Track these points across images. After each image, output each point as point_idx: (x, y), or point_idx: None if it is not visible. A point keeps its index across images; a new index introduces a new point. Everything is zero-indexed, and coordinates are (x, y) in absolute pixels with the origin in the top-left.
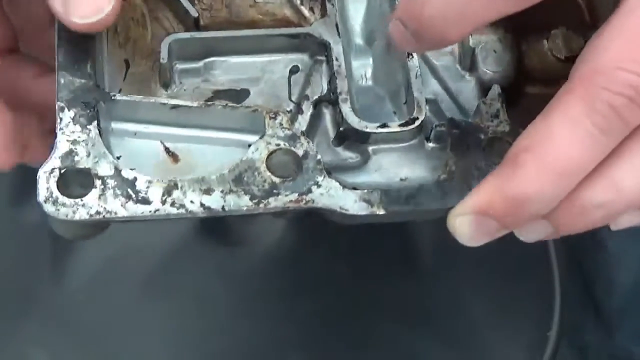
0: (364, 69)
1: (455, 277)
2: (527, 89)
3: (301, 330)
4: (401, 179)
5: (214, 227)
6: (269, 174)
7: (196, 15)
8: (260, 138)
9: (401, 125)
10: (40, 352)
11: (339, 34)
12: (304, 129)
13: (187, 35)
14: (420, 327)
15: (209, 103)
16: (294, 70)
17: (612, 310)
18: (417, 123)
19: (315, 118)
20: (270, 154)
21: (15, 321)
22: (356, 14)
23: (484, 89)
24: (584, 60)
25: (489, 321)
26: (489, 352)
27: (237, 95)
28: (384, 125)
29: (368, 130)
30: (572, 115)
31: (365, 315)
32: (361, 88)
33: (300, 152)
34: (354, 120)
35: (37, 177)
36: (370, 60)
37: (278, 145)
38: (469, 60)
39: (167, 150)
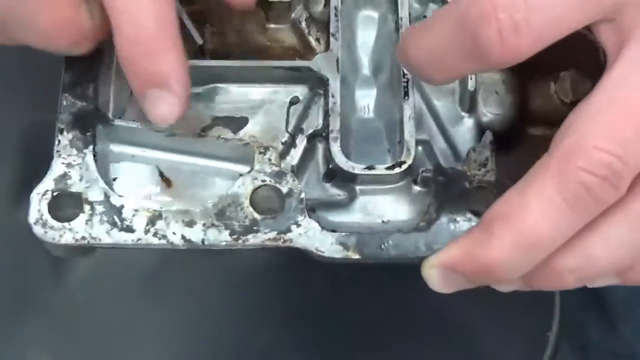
0: (367, 100)
1: None
2: (530, 130)
3: (300, 332)
4: (383, 221)
5: None
6: (251, 209)
7: (201, 42)
8: (248, 173)
9: (388, 168)
10: (39, 353)
11: (338, 70)
12: (295, 162)
13: (190, 62)
14: (419, 327)
15: (202, 134)
16: (294, 101)
17: (616, 301)
18: (403, 167)
19: (308, 152)
20: (256, 189)
21: (15, 322)
22: (365, 44)
23: (481, 131)
24: (565, 132)
25: (488, 321)
26: (489, 352)
27: (236, 123)
28: (370, 167)
29: (355, 171)
30: (545, 191)
31: (365, 315)
32: (362, 120)
33: (284, 190)
34: (341, 160)
35: (30, 198)
36: (375, 91)
37: (264, 181)
38: (468, 102)
39: (161, 175)
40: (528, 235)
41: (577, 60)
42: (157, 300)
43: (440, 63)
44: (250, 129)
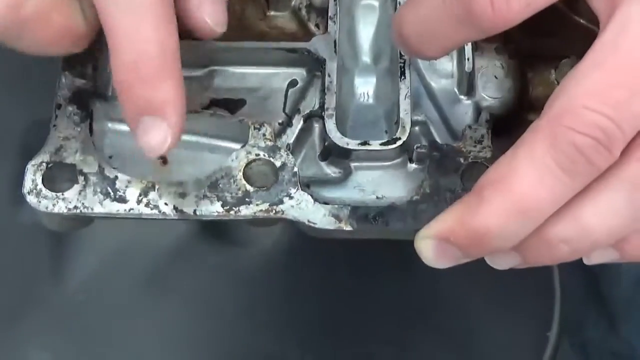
0: (367, 87)
1: (455, 277)
2: (529, 117)
3: (301, 330)
4: (377, 197)
5: (215, 228)
6: (244, 182)
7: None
8: (242, 147)
9: (382, 144)
10: (40, 353)
11: (335, 51)
12: (290, 141)
13: (189, 43)
14: (420, 326)
15: (198, 111)
16: (292, 83)
17: (618, 300)
18: (397, 143)
19: (304, 132)
20: (249, 163)
21: (15, 321)
22: (366, 33)
23: (479, 114)
24: (556, 96)
25: (489, 321)
26: (489, 352)
27: (234, 105)
28: (364, 143)
29: (349, 146)
30: (536, 154)
31: (365, 315)
32: (361, 106)
33: (278, 163)
34: (336, 136)
35: (25, 169)
36: (374, 79)
37: (258, 155)
38: (466, 84)
39: None
40: (520, 200)
41: (577, 48)
42: (158, 300)
43: (434, 34)
44: (247, 111)
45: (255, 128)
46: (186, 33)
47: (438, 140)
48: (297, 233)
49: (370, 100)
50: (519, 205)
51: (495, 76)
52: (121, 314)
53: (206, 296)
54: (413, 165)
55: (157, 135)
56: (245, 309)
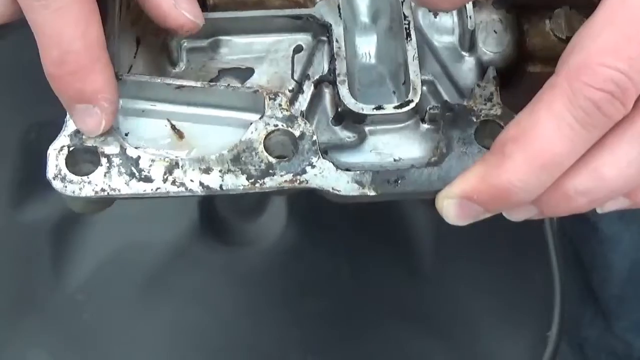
0: (368, 47)
1: (455, 277)
2: (529, 68)
3: (302, 330)
4: (395, 160)
5: (215, 227)
6: (266, 154)
7: None
8: (260, 119)
9: (396, 107)
10: (40, 353)
11: (340, 15)
12: (304, 108)
13: None
14: (420, 326)
15: (211, 83)
16: (297, 49)
17: (611, 299)
18: (411, 105)
19: (316, 97)
20: (269, 134)
21: (15, 321)
22: None
23: (483, 69)
24: (570, 52)
25: (489, 321)
26: (489, 352)
27: (242, 74)
28: (379, 107)
29: (364, 111)
30: (555, 110)
31: (366, 315)
32: (364, 66)
33: (297, 133)
34: (350, 102)
35: (47, 154)
36: (375, 38)
37: (276, 126)
38: (468, 41)
39: (173, 127)
40: (541, 152)
41: None
42: (157, 300)
43: None
44: (257, 79)
45: (270, 98)
46: (165, 32)
47: (446, 98)
48: (297, 233)
49: (373, 60)
50: (541, 159)
51: (494, 30)
52: (121, 314)
53: (206, 296)
54: (426, 126)
55: (92, 121)
56: (245, 309)
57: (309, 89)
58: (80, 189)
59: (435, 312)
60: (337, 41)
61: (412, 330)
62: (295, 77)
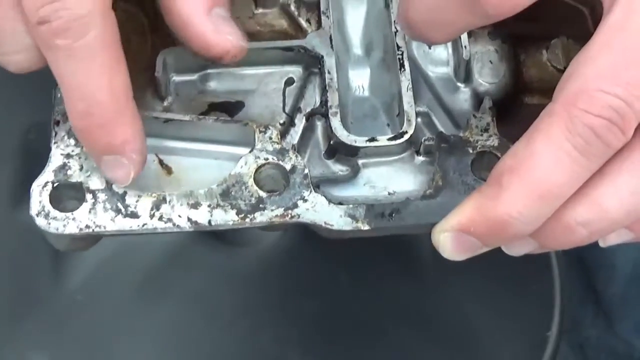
0: (361, 79)
1: (455, 277)
2: (526, 99)
3: (301, 332)
4: (389, 193)
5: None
6: (256, 188)
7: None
8: (250, 152)
9: (390, 139)
10: (40, 353)
11: (332, 46)
12: (295, 141)
13: (182, 48)
14: (420, 327)
15: (200, 117)
16: (289, 82)
17: (613, 298)
18: (405, 137)
19: (308, 130)
20: (259, 168)
21: (15, 321)
22: (355, 24)
23: (479, 100)
24: (568, 79)
25: (488, 321)
26: (489, 352)
27: (232, 108)
28: (372, 139)
29: (357, 144)
30: (553, 138)
31: (366, 317)
32: (357, 98)
33: (288, 167)
34: (343, 134)
35: (31, 190)
36: (368, 70)
37: (266, 159)
38: (463, 72)
39: (161, 162)
40: (539, 183)
41: (566, 28)
42: (157, 300)
43: (440, 19)
44: (247, 113)
45: (260, 131)
46: (210, 59)
47: (441, 130)
48: (297, 233)
49: (366, 93)
50: (539, 190)
51: (490, 61)
52: (120, 314)
53: (206, 296)
54: (420, 158)
55: (121, 172)
56: (244, 309)
57: (300, 122)
58: (64, 225)
59: (435, 312)
60: (329, 72)
61: (411, 330)
62: (287, 110)
